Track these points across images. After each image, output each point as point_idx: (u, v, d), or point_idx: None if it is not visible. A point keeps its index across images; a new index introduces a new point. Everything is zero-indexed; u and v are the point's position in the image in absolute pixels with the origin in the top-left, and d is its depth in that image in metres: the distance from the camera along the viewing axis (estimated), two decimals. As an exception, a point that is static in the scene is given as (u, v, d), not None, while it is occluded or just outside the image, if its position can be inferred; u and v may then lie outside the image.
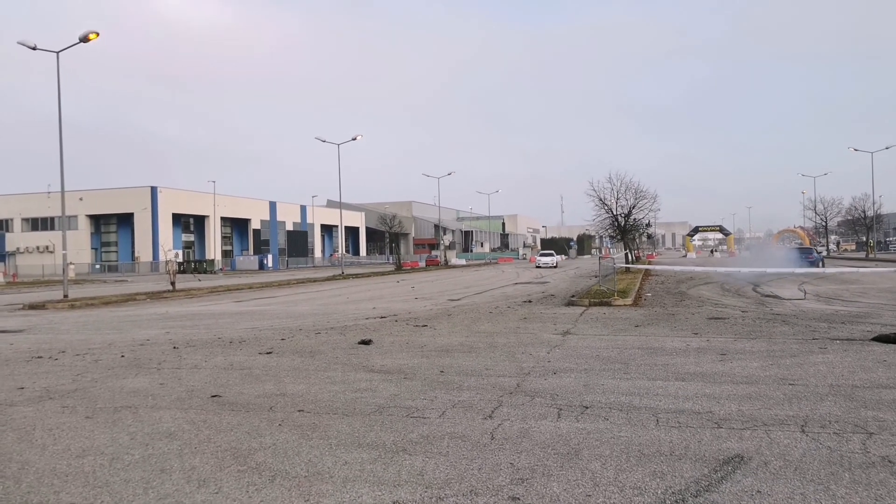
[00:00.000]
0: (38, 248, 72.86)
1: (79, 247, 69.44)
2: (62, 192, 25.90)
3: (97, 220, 75.08)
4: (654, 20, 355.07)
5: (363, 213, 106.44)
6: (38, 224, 75.05)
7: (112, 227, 75.34)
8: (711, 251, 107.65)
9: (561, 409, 5.98)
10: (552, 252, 60.72)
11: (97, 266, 71.90)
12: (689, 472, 4.27)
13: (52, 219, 72.95)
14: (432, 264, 75.62)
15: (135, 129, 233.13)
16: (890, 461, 4.41)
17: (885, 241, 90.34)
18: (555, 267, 52.70)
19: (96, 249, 75.25)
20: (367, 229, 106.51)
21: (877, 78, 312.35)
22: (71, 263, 48.96)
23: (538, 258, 56.25)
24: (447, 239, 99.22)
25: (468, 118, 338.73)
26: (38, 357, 9.99)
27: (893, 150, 60.82)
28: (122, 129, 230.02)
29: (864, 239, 71.68)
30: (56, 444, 5.26)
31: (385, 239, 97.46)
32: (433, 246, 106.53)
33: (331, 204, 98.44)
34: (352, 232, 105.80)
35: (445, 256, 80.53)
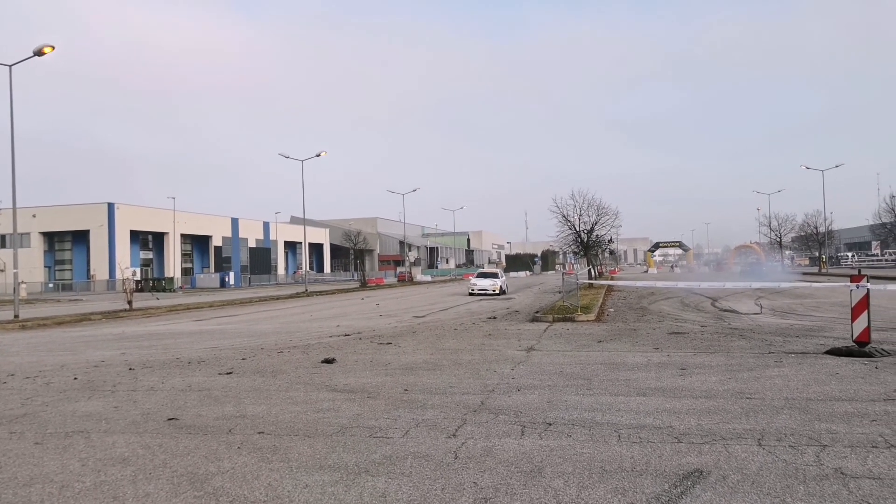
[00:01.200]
0: (-13, 266, 70.32)
1: (31, 265, 67.24)
2: (14, 208, 25.08)
3: (51, 238, 72.88)
4: (621, 38, 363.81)
5: (327, 230, 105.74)
6: (-11, 242, 72.49)
7: (67, 244, 73.18)
8: (671, 267, 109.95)
9: (524, 427, 5.98)
10: (495, 273, 40.03)
11: (51, 285, 69.65)
12: (650, 488, 4.30)
13: (4, 236, 70.36)
14: (403, 279, 75.57)
15: (91, 142, 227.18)
16: (842, 473, 4.52)
17: (837, 256, 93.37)
18: (497, 294, 34.99)
19: (50, 268, 72.94)
20: (332, 246, 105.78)
21: (830, 97, 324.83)
22: (23, 282, 47.35)
23: (473, 280, 37.66)
24: (412, 255, 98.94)
25: (435, 134, 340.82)
26: (-15, 381, 9.59)
27: (843, 169, 63.30)
28: (78, 143, 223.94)
29: (817, 254, 73.99)
30: (1, 472, 5.03)
31: (350, 255, 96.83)
32: (398, 262, 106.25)
33: (294, 220, 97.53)
34: (316, 248, 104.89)
35: (411, 273, 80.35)
